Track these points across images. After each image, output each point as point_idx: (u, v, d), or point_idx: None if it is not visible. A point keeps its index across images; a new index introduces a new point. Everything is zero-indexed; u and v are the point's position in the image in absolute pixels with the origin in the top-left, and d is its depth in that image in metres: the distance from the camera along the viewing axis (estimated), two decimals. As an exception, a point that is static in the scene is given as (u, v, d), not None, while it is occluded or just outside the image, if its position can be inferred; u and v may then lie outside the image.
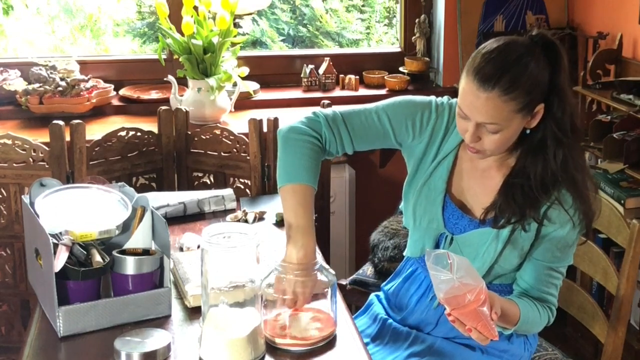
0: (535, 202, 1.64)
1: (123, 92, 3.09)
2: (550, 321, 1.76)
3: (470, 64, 1.59)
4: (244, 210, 2.19)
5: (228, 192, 2.28)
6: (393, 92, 3.23)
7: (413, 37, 3.31)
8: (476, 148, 1.64)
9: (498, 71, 1.54)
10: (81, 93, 2.93)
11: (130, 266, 1.63)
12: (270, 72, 3.31)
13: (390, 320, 1.87)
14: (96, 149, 2.46)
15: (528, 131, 1.64)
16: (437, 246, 1.78)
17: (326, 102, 2.64)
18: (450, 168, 1.76)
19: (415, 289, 1.85)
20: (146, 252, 1.67)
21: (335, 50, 4.06)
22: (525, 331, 1.77)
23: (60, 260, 1.56)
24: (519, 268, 1.75)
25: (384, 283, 1.99)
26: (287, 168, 1.68)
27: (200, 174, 2.60)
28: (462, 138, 1.70)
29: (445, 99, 1.79)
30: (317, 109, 1.81)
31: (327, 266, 1.65)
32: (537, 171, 1.63)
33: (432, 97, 1.79)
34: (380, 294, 1.98)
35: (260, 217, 2.18)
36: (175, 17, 2.88)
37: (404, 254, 1.91)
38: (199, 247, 1.92)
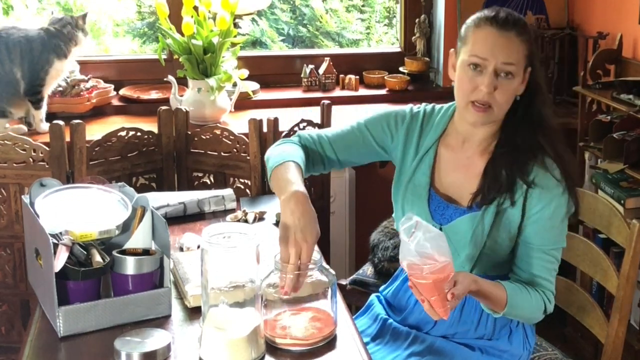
0: (523, 166, 1.71)
1: (123, 92, 3.10)
2: (548, 308, 1.75)
3: (479, 20, 1.70)
4: (244, 210, 2.19)
5: (228, 192, 2.28)
6: (393, 92, 3.23)
7: (413, 37, 3.31)
8: (490, 102, 1.68)
9: (511, 16, 1.70)
10: (81, 93, 2.93)
11: (130, 266, 1.63)
12: (270, 72, 3.31)
13: (391, 320, 1.87)
14: (96, 149, 2.46)
15: (518, 98, 1.72)
16: None
17: (326, 102, 2.64)
18: (432, 164, 1.81)
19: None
20: (146, 252, 1.67)
21: (335, 50, 4.06)
22: (518, 316, 1.75)
23: (60, 260, 1.56)
24: (513, 256, 1.76)
25: (383, 287, 2.00)
26: (274, 161, 1.74)
27: (200, 174, 2.60)
28: (440, 135, 1.81)
29: (423, 104, 1.89)
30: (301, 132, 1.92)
31: (327, 266, 1.65)
32: (524, 136, 1.72)
33: (410, 105, 1.89)
34: (381, 295, 1.98)
35: (260, 217, 2.18)
36: (175, 17, 2.88)
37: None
38: (199, 247, 1.92)
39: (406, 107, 1.88)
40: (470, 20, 1.73)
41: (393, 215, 1.92)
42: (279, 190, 1.65)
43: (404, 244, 1.53)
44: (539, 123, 1.74)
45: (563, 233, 1.75)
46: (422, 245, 1.50)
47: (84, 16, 2.84)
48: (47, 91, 2.79)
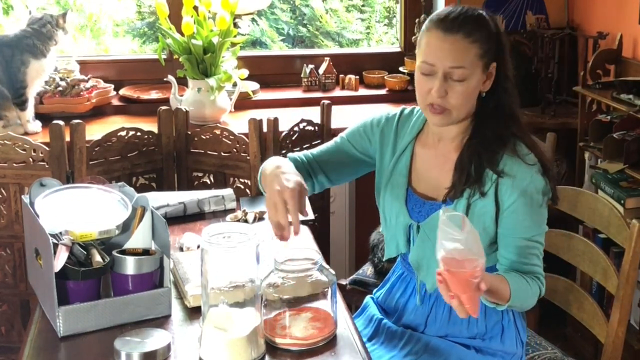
0: (492, 156, 1.69)
1: (123, 92, 3.10)
2: (542, 291, 1.73)
3: (429, 23, 1.69)
4: (244, 210, 2.19)
5: (228, 192, 2.28)
6: (393, 92, 3.23)
7: (413, 37, 3.31)
8: (442, 105, 1.67)
9: (460, 17, 1.67)
10: (81, 93, 2.93)
11: (130, 266, 1.63)
12: (270, 72, 3.31)
13: (386, 320, 1.87)
14: (96, 149, 2.46)
15: (484, 94, 1.71)
16: (407, 239, 1.81)
17: (326, 102, 2.65)
18: (409, 164, 1.82)
19: (402, 292, 1.88)
20: (146, 252, 1.67)
21: (335, 50, 4.06)
22: (519, 306, 1.74)
23: (60, 260, 1.56)
24: (494, 249, 1.74)
25: (375, 290, 2.00)
26: (263, 166, 1.77)
27: (200, 174, 2.60)
28: (416, 134, 1.81)
29: (401, 107, 1.90)
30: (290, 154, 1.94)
31: (327, 266, 1.65)
32: (493, 127, 1.71)
33: (388, 111, 1.91)
34: (374, 296, 1.98)
35: (260, 217, 2.18)
36: (175, 17, 2.88)
37: (384, 259, 1.94)
38: (199, 247, 1.92)
39: (383, 113, 1.90)
40: (426, 21, 1.72)
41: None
42: (266, 179, 1.68)
43: (445, 234, 1.47)
44: (510, 115, 1.72)
45: (543, 218, 1.72)
46: (469, 242, 1.46)
47: (64, 15, 2.84)
48: (32, 92, 2.78)
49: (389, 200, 1.83)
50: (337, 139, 1.92)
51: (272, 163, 1.73)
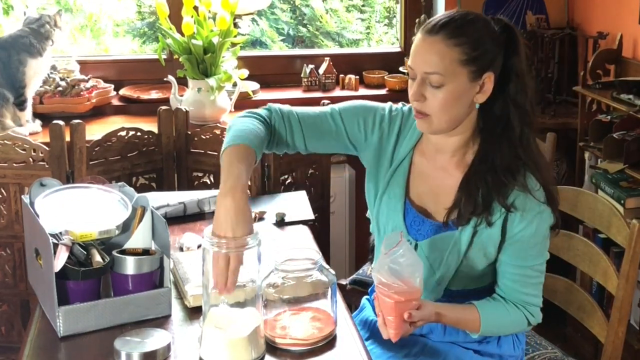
0: (502, 188, 1.61)
1: (123, 92, 3.10)
2: (531, 321, 1.72)
3: (422, 26, 1.62)
4: (244, 210, 2.18)
5: (228, 192, 2.27)
6: (393, 92, 3.23)
7: (413, 37, 3.30)
8: (422, 111, 1.60)
9: (446, 18, 1.58)
10: (81, 93, 2.93)
11: (130, 266, 1.63)
12: (270, 72, 3.31)
13: None
14: (96, 149, 2.46)
15: (477, 106, 1.62)
16: None
17: (326, 102, 2.64)
18: (407, 174, 1.73)
19: None
20: (146, 252, 1.67)
21: (335, 50, 4.06)
22: (498, 333, 1.75)
23: (60, 260, 1.56)
24: (492, 273, 1.73)
25: (370, 289, 1.96)
26: (230, 137, 1.60)
27: (200, 174, 2.60)
28: (415, 142, 1.72)
29: (400, 104, 1.78)
30: (271, 104, 1.78)
31: (327, 266, 1.65)
32: (503, 156, 1.61)
33: (389, 103, 1.79)
34: (370, 297, 1.95)
35: (260, 217, 2.18)
36: (175, 17, 2.88)
37: (371, 268, 1.91)
38: (199, 247, 1.92)
39: (385, 106, 1.78)
40: None
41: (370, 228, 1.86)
42: (223, 175, 1.53)
43: (382, 258, 1.53)
44: (520, 141, 1.62)
45: (546, 247, 1.70)
46: (398, 264, 1.51)
47: (59, 13, 2.84)
48: (30, 92, 2.78)
49: (385, 212, 1.76)
50: (328, 111, 1.77)
51: (236, 156, 1.54)
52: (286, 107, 1.76)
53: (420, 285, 1.54)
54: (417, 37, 1.61)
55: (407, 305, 1.53)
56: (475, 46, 1.56)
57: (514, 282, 1.69)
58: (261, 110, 1.74)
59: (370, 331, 1.86)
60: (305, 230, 2.13)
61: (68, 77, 2.95)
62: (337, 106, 1.78)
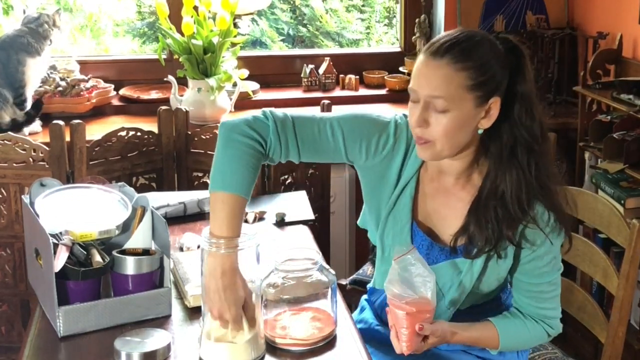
0: (512, 223, 1.56)
1: (123, 92, 3.10)
2: (551, 333, 1.71)
3: (423, 47, 1.57)
4: (244, 210, 2.18)
5: (228, 192, 2.27)
6: (393, 92, 3.23)
7: (413, 37, 3.31)
8: (424, 137, 1.53)
9: (451, 40, 1.50)
10: (81, 93, 2.93)
11: (130, 266, 1.63)
12: (270, 72, 3.31)
13: (379, 328, 1.82)
14: (96, 149, 2.46)
15: (480, 131, 1.55)
16: None
17: (326, 102, 2.64)
18: (413, 194, 1.66)
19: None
20: (146, 252, 1.67)
21: (335, 50, 4.06)
22: (517, 348, 1.74)
23: (60, 260, 1.56)
24: (500, 286, 1.72)
25: (370, 288, 1.92)
26: (224, 173, 1.54)
27: (200, 174, 2.60)
28: (422, 162, 1.64)
29: (404, 115, 1.67)
30: (268, 109, 1.64)
31: (327, 266, 1.65)
32: (512, 186, 1.55)
33: (394, 116, 1.67)
34: (370, 299, 1.92)
35: (260, 217, 2.18)
36: (175, 17, 2.88)
37: (370, 285, 1.88)
38: (199, 247, 1.92)
39: (389, 123, 1.65)
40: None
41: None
42: (213, 229, 1.50)
43: (394, 270, 1.52)
44: (529, 166, 1.55)
45: (559, 260, 1.67)
46: (408, 272, 1.51)
47: (58, 12, 2.84)
48: (29, 91, 2.79)
49: (391, 233, 1.69)
50: (328, 127, 1.62)
51: (230, 211, 1.51)
52: (282, 117, 1.61)
53: (433, 298, 1.52)
54: (420, 59, 1.53)
55: (419, 317, 1.52)
56: (482, 71, 1.50)
57: (530, 298, 1.68)
58: (257, 121, 1.60)
59: (370, 335, 1.80)
60: (305, 231, 2.13)
61: (68, 77, 2.95)
62: (339, 119, 1.64)
